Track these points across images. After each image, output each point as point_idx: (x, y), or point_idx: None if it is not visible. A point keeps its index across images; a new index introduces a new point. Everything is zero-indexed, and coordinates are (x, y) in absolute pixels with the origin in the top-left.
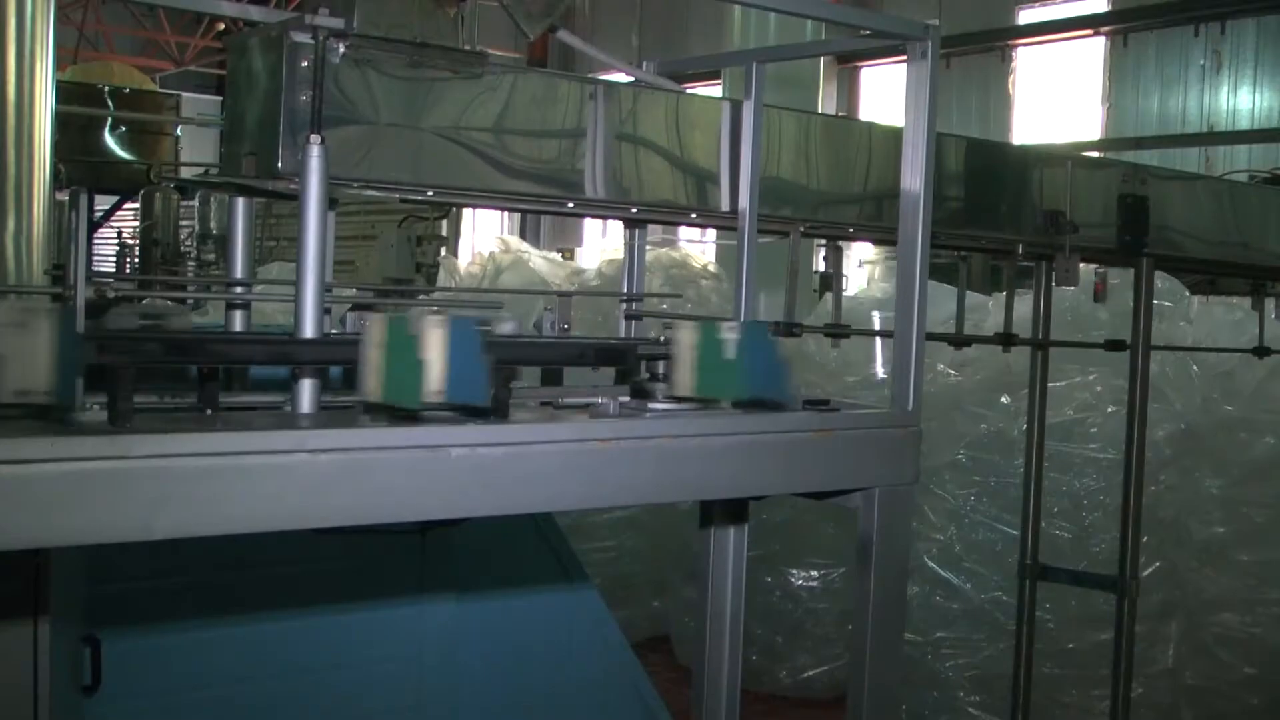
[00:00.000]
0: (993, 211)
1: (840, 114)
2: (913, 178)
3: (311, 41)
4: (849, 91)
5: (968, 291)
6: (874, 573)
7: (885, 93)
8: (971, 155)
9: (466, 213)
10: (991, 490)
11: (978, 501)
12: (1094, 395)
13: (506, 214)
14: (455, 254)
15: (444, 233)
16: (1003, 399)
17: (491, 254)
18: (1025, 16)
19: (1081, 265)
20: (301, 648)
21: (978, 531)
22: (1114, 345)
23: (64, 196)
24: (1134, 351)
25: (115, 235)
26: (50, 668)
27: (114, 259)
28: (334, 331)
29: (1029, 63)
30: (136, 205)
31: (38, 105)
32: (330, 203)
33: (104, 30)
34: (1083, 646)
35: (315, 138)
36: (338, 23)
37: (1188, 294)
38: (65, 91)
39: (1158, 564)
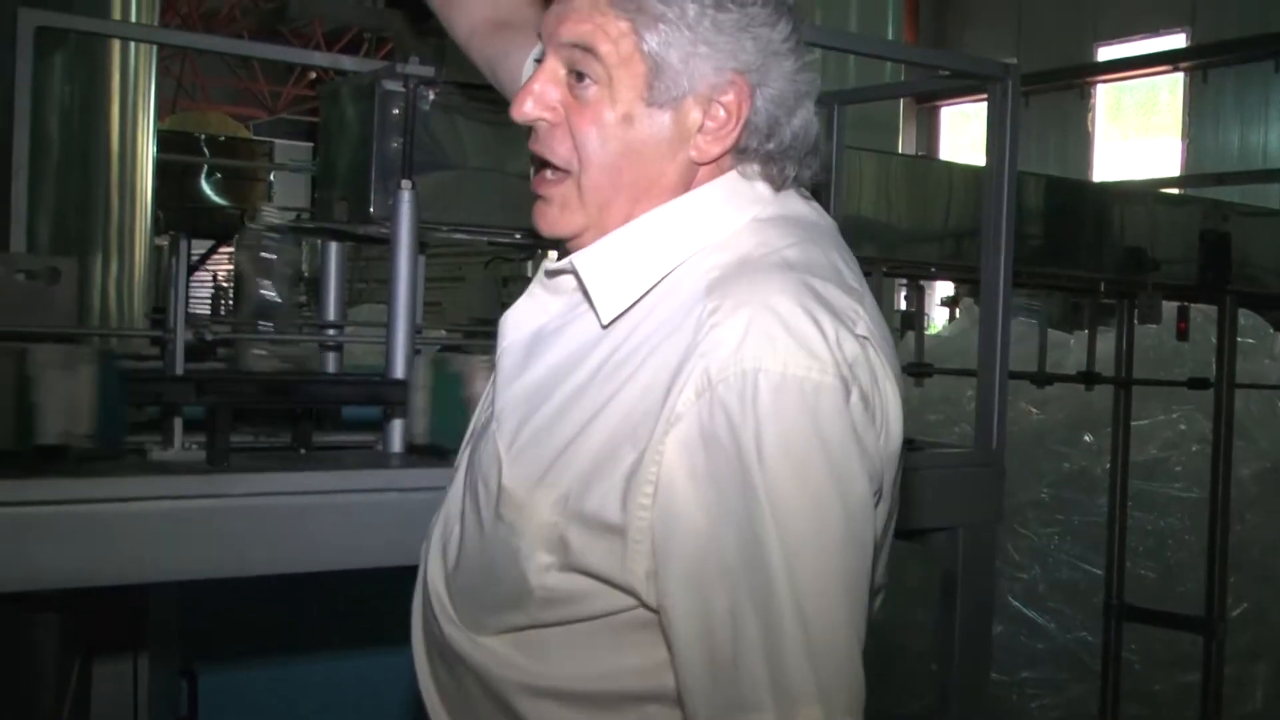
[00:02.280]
0: (1073, 249)
1: (920, 153)
2: (994, 216)
3: (402, 90)
4: (929, 130)
5: (1049, 329)
6: (959, 611)
7: (965, 130)
8: (1051, 193)
9: (551, 254)
10: (1075, 529)
11: (1061, 540)
12: (1178, 433)
13: None
14: None
15: (529, 274)
16: (1086, 437)
17: None
18: (1104, 53)
19: (1164, 302)
20: (391, 682)
21: (1062, 570)
22: (1197, 383)
23: (162, 241)
24: (1218, 389)
25: (210, 278)
26: (149, 701)
27: (209, 300)
28: None
29: (1108, 99)
30: (230, 249)
31: (140, 155)
32: (420, 246)
33: (201, 81)
34: (1169, 688)
35: (406, 183)
36: (428, 71)
37: (1272, 331)
38: (164, 140)
39: (1245, 605)
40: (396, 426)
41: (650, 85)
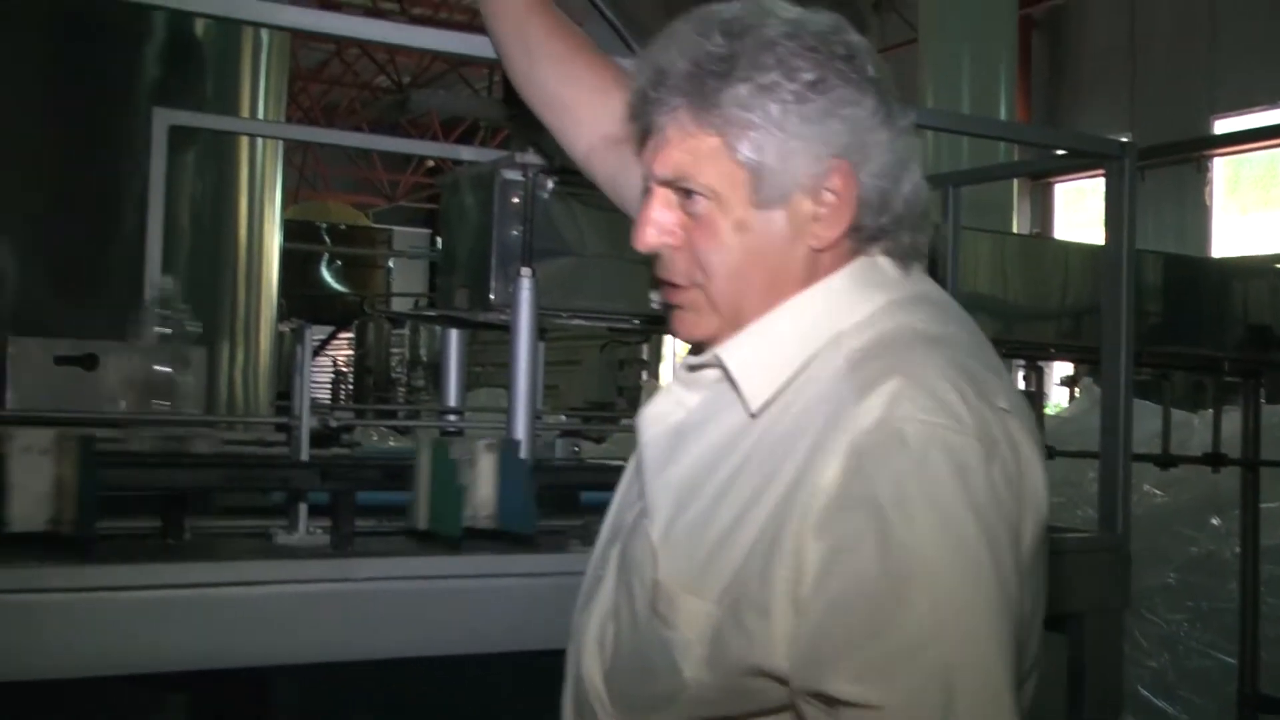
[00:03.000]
0: (1194, 327)
1: (1034, 230)
2: (1113, 295)
3: (521, 178)
4: (1043, 206)
5: (1172, 409)
6: (1086, 701)
7: (1080, 205)
8: (1170, 270)
9: (667, 336)
10: (1205, 615)
11: (1191, 627)
12: None
13: None
14: (656, 376)
15: (645, 356)
16: (1213, 520)
17: None
18: (1221, 125)
19: None
20: None
21: (1192, 658)
22: None
23: (284, 328)
24: None
25: (330, 364)
26: None
27: (329, 386)
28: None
29: (1226, 172)
30: (350, 334)
31: (266, 245)
32: (539, 332)
33: (322, 170)
34: None
35: (526, 270)
36: (546, 160)
37: None
38: (286, 229)
39: None
40: None
41: (755, 189)
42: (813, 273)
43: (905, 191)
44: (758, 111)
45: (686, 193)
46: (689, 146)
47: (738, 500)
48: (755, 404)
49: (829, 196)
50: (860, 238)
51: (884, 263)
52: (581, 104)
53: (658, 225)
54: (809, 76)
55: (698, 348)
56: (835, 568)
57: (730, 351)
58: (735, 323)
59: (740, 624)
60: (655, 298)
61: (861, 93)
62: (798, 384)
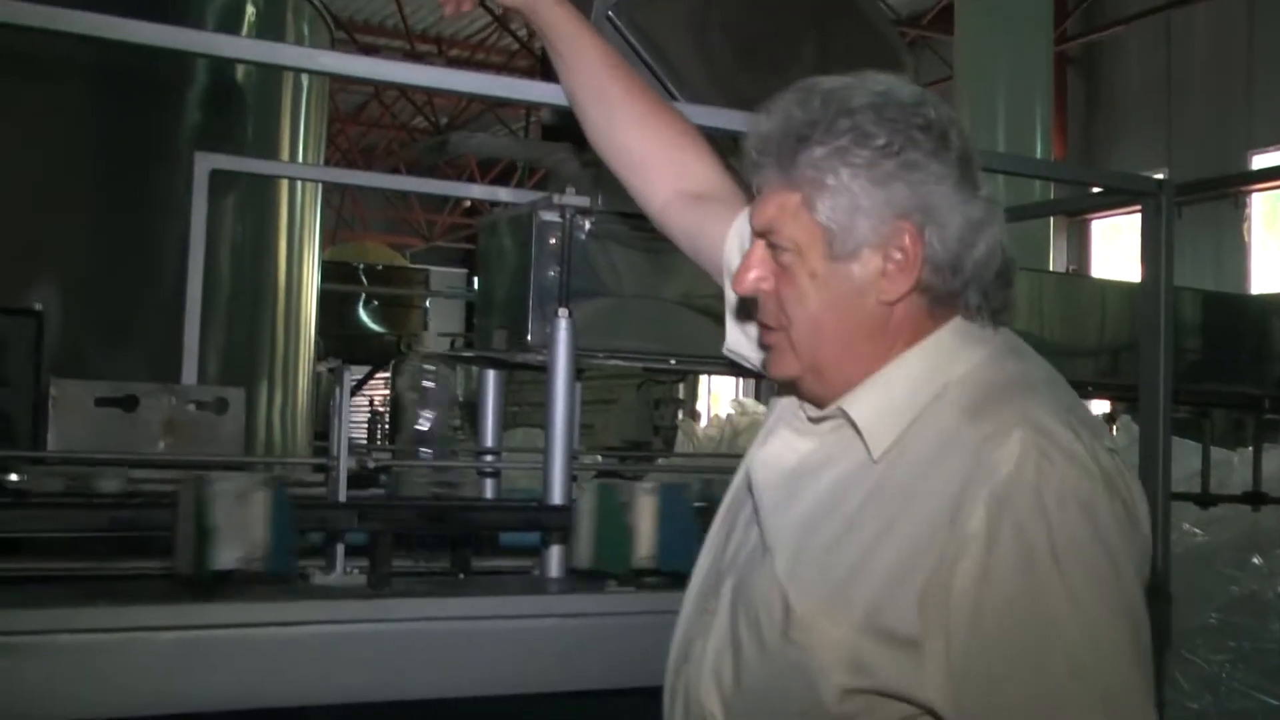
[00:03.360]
0: (1234, 364)
1: (1071, 267)
2: (1151, 333)
3: (559, 220)
4: (1079, 243)
5: (1211, 446)
6: None
7: (1117, 242)
8: (1209, 307)
9: (703, 375)
10: (1248, 656)
11: (1234, 668)
12: None
13: (742, 377)
14: (693, 416)
15: (681, 395)
16: (1254, 559)
17: (729, 416)
18: (1259, 160)
19: None
20: None
21: (1235, 700)
22: None
23: (322, 368)
24: None
25: (367, 403)
26: None
27: (365, 425)
28: None
29: (1265, 207)
30: (387, 374)
31: (305, 286)
32: (576, 372)
33: (360, 211)
34: None
35: (563, 311)
36: (583, 201)
37: None
38: (324, 270)
39: None
40: (555, 552)
41: (830, 244)
42: (884, 325)
43: (979, 254)
44: (831, 174)
45: (776, 245)
46: (777, 203)
47: (865, 536)
48: (878, 450)
49: (896, 255)
50: (932, 295)
51: (975, 319)
52: (659, 162)
53: (754, 272)
54: (880, 142)
55: (786, 387)
56: (986, 609)
57: (852, 404)
58: (813, 366)
59: (883, 653)
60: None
61: (933, 159)
62: (912, 430)
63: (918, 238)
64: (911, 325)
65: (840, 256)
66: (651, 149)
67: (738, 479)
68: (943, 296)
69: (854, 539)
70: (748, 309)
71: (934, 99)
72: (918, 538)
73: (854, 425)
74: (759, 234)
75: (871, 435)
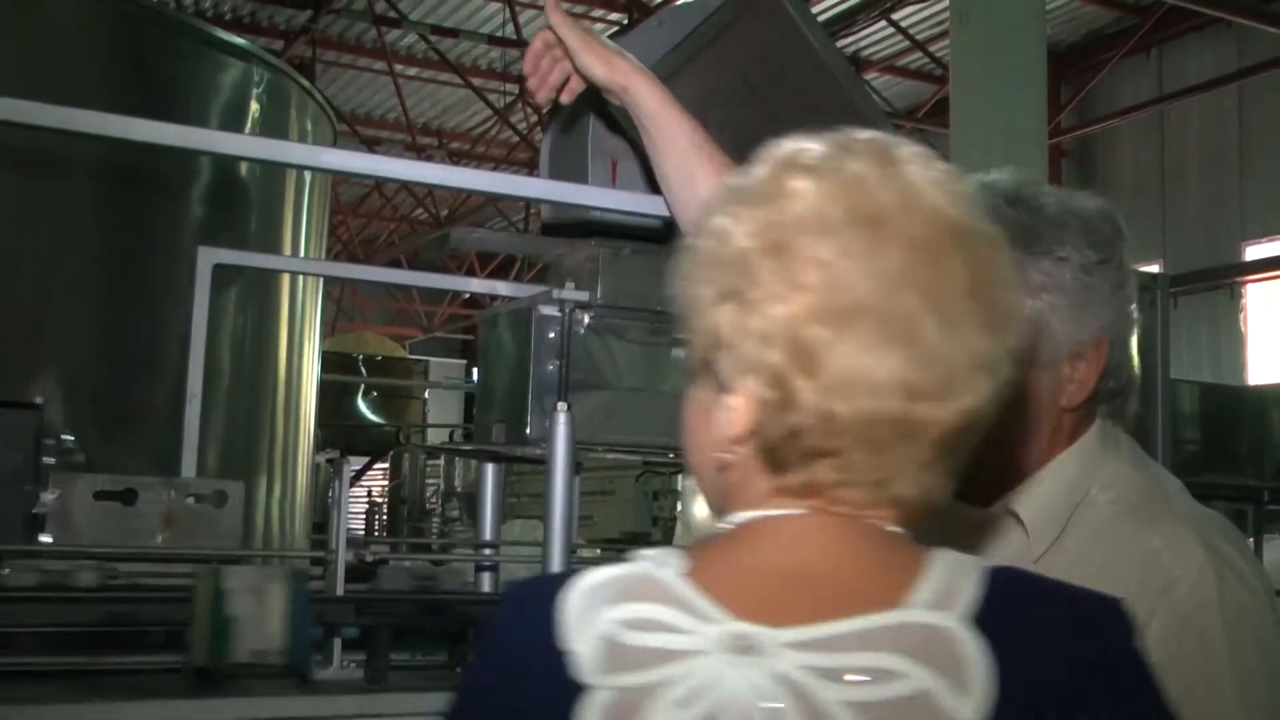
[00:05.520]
0: (1233, 455)
1: None
2: (1149, 425)
3: (558, 314)
4: None
5: None
6: None
7: None
8: (1207, 398)
9: None
10: None
11: None
12: None
13: None
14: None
15: (678, 487)
16: None
17: None
18: (1252, 252)
19: None
20: None
21: None
22: None
23: (320, 459)
24: None
25: (365, 494)
26: None
27: (363, 516)
28: None
29: (1261, 298)
30: (385, 464)
31: (304, 378)
32: (575, 465)
33: (360, 302)
34: None
35: (562, 405)
36: (583, 295)
37: None
38: (323, 361)
39: None
40: None
41: (1035, 348)
42: (1055, 428)
43: (1130, 359)
44: (1054, 277)
45: None
46: None
47: None
48: (1039, 548)
49: (1083, 364)
50: (1094, 402)
51: (1112, 424)
52: None
53: None
54: (1094, 255)
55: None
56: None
57: (1019, 503)
58: (996, 465)
59: None
60: None
61: (1126, 273)
62: (1068, 530)
63: (1106, 350)
64: (1073, 427)
65: (1040, 363)
66: None
67: None
68: (1102, 403)
69: None
70: None
71: (1112, 206)
72: None
73: (1020, 523)
74: None
75: (1035, 533)
